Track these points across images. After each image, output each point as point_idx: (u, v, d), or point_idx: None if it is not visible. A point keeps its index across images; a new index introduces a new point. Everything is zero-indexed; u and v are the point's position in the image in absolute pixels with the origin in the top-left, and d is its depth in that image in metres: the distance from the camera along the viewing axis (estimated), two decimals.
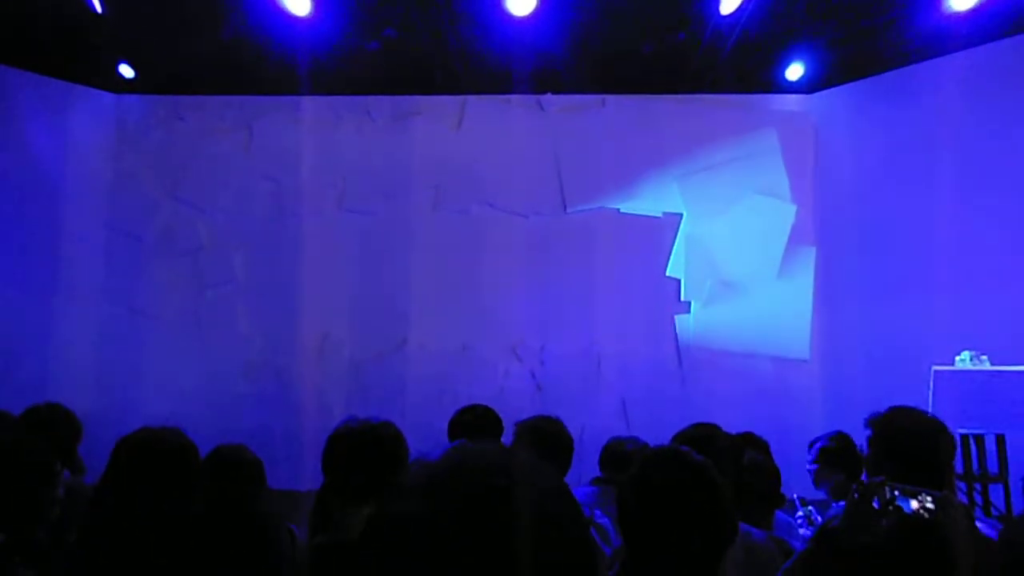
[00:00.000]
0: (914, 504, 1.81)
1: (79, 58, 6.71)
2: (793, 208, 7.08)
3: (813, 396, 6.86)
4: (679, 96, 7.19)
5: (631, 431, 6.73)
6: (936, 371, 5.04)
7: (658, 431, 6.80)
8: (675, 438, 2.28)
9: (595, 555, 0.76)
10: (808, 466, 3.44)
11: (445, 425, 6.66)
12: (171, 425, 1.87)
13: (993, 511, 5.07)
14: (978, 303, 5.72)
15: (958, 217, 5.91)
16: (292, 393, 7.05)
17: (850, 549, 1.80)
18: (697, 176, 7.14)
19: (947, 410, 4.50)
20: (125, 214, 7.24)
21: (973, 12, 5.60)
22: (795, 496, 3.13)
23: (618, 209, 7.15)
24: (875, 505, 1.82)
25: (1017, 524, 2.04)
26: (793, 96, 7.20)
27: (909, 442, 2.06)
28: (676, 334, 7.03)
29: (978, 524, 2.20)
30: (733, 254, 7.02)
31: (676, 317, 7.05)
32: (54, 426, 2.72)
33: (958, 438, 4.40)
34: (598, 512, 2.24)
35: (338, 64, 6.74)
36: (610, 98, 7.26)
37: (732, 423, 6.74)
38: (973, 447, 5.07)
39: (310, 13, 5.81)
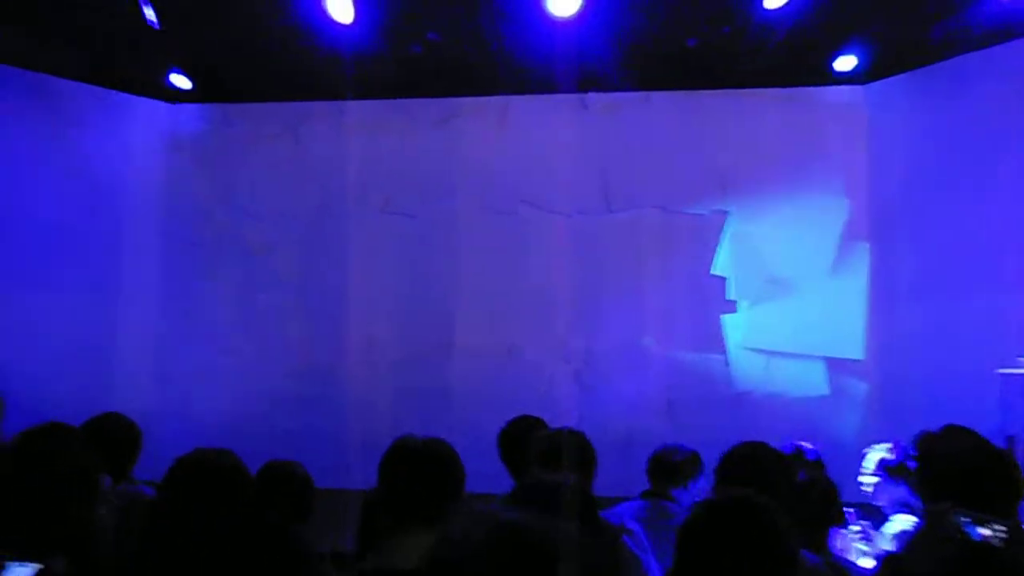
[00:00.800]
0: (984, 532, 1.74)
1: (134, 69, 6.93)
2: (845, 203, 6.87)
3: (868, 398, 6.67)
4: (725, 91, 7.04)
5: (677, 433, 6.66)
6: (1003, 375, 4.83)
7: (706, 433, 6.73)
8: (724, 458, 2.23)
9: None
10: (864, 476, 3.33)
11: (491, 427, 6.71)
12: (225, 438, 1.90)
13: None
14: None
15: (1021, 211, 5.66)
16: (339, 394, 7.17)
17: None
18: (744, 172, 6.99)
19: (1019, 416, 4.30)
20: (180, 220, 7.46)
21: None
22: (851, 512, 3.04)
23: (663, 207, 7.06)
24: (942, 532, 1.76)
25: None
26: (845, 87, 6.97)
27: (954, 473, 1.96)
28: (723, 334, 6.91)
29: None
30: (782, 251, 6.86)
31: (723, 317, 6.93)
32: (114, 437, 2.81)
33: None
34: (629, 521, 2.21)
35: (382, 68, 6.81)
36: (655, 95, 7.15)
37: (782, 426, 6.66)
38: None
39: (353, 20, 5.88)
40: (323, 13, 5.85)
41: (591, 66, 6.70)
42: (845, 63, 6.61)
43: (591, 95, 7.19)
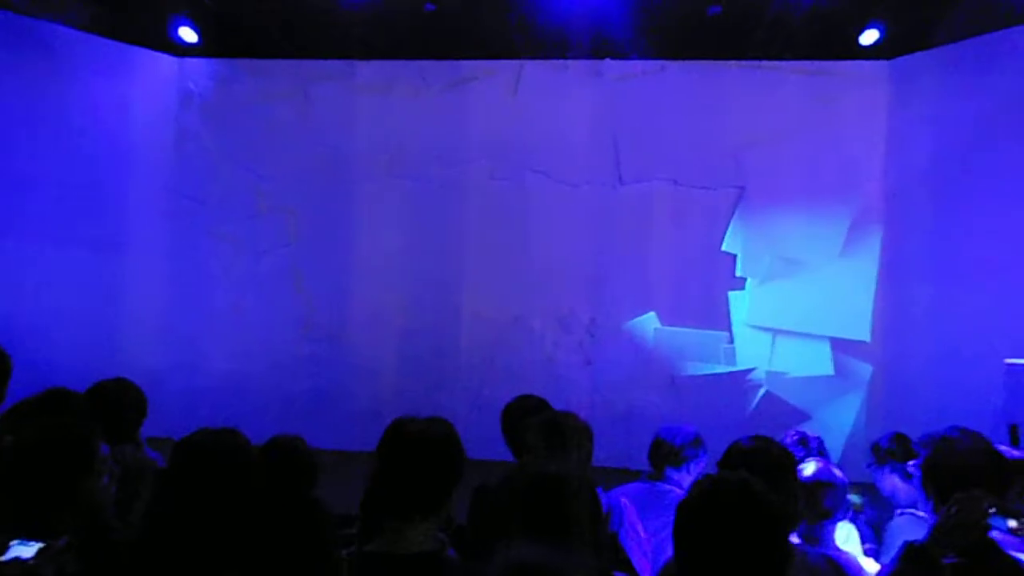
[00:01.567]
0: (1012, 524, 1.75)
1: (142, 21, 6.80)
2: (861, 182, 6.75)
3: (873, 379, 6.66)
4: (744, 62, 6.87)
5: (680, 408, 6.71)
6: (1009, 364, 4.78)
7: (708, 410, 6.77)
8: (726, 454, 2.21)
9: None
10: (867, 466, 3.32)
11: (495, 394, 6.75)
12: (229, 421, 1.88)
13: None
14: None
15: None
16: (344, 357, 7.21)
17: (939, 565, 1.76)
18: (759, 147, 6.86)
19: (1021, 407, 4.27)
20: (187, 177, 7.41)
21: None
22: (851, 499, 3.03)
23: (675, 181, 6.96)
24: (969, 519, 1.77)
25: None
26: (868, 62, 6.79)
27: (956, 483, 1.95)
28: (729, 311, 6.87)
29: None
30: (794, 230, 6.77)
31: (730, 293, 6.88)
32: (119, 401, 2.81)
33: None
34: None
35: (394, 28, 6.67)
36: (671, 64, 6.99)
37: (786, 405, 6.65)
38: None
39: None
40: None
41: (607, 32, 6.54)
42: (869, 36, 6.42)
43: (606, 62, 7.03)
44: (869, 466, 3.50)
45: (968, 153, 6.13)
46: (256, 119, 7.39)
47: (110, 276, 6.99)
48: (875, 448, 3.48)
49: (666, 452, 3.06)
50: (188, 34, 6.92)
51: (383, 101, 7.25)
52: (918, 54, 6.56)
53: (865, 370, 6.69)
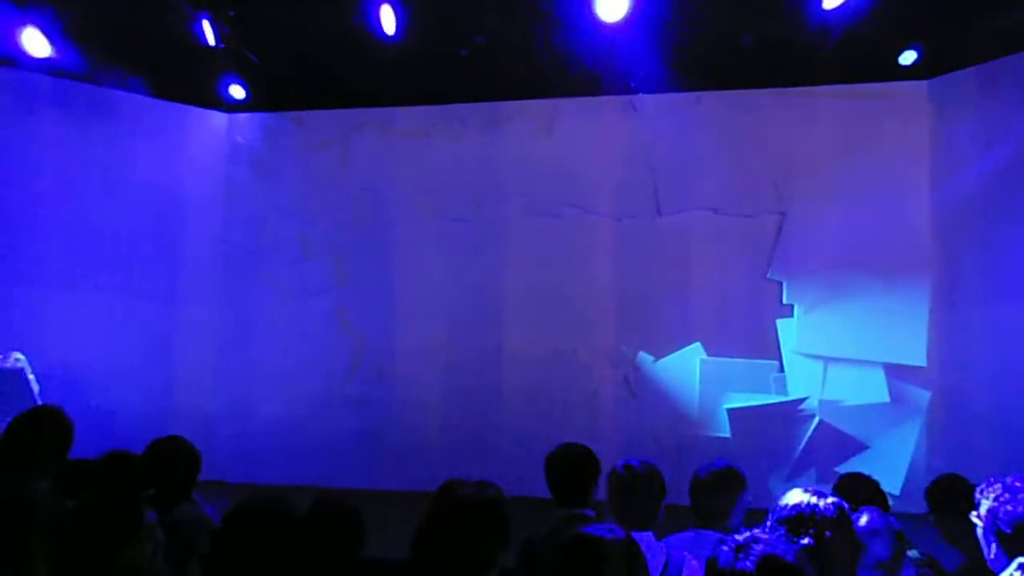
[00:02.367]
0: None
1: (195, 82, 7.16)
2: (907, 204, 6.60)
3: (931, 405, 6.40)
4: (780, 89, 6.85)
5: (732, 442, 6.56)
6: None
7: (761, 441, 6.59)
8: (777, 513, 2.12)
9: None
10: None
11: (538, 430, 6.72)
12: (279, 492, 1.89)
13: None
14: None
15: None
16: (389, 396, 7.28)
17: None
18: (800, 173, 6.79)
19: None
20: (236, 226, 7.69)
21: None
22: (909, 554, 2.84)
23: (715, 210, 6.91)
24: None
25: None
26: (907, 83, 6.69)
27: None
28: (778, 339, 6.73)
29: None
30: (840, 254, 6.63)
31: (778, 322, 6.74)
32: (175, 462, 2.90)
33: None
34: (688, 557, 2.14)
35: (430, 73, 6.86)
36: (705, 95, 7.01)
37: (841, 434, 6.43)
38: None
39: (400, 26, 5.94)
40: (373, 22, 5.93)
41: (640, 68, 6.61)
42: (907, 57, 6.34)
43: (640, 97, 7.09)
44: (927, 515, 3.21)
45: (1016, 169, 5.96)
46: (300, 168, 7.66)
47: (163, 324, 7.26)
48: (930, 495, 3.15)
49: (707, 511, 2.83)
50: (237, 91, 7.24)
51: (421, 145, 7.44)
52: (958, 72, 6.45)
53: (922, 396, 6.44)
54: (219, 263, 7.65)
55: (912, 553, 2.98)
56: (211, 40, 6.10)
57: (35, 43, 6.05)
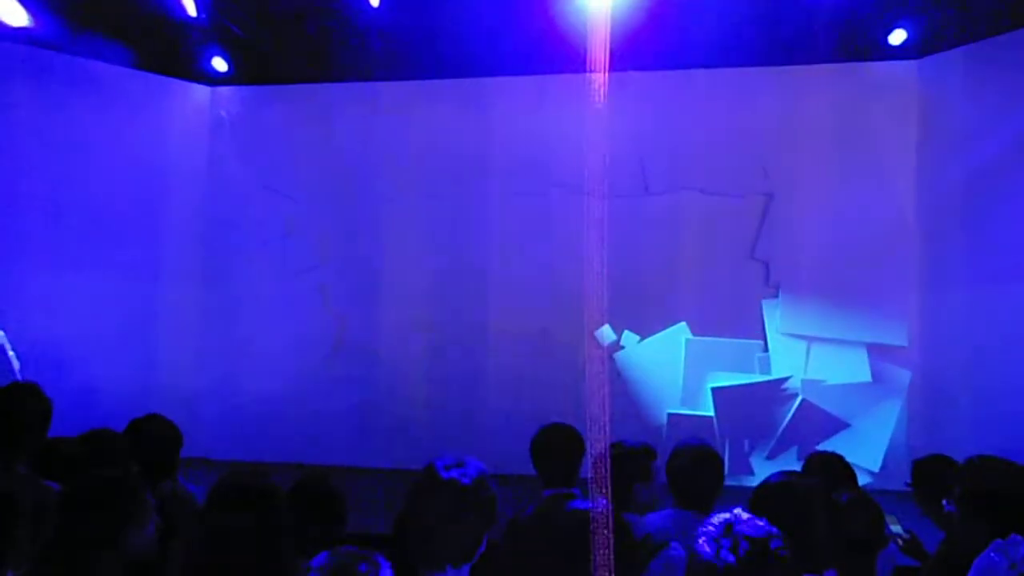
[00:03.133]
0: None
1: (176, 54, 7.02)
2: (894, 185, 6.63)
3: (912, 385, 6.49)
4: (769, 68, 6.81)
5: (718, 421, 6.62)
6: None
7: (743, 420, 6.65)
8: (756, 492, 2.13)
9: None
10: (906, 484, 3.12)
11: (524, 408, 6.74)
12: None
13: None
14: None
15: None
16: (373, 375, 7.26)
17: None
18: (788, 153, 6.78)
19: None
20: (219, 202, 7.59)
21: None
22: (887, 528, 2.87)
23: (703, 190, 6.91)
24: None
25: None
26: (897, 63, 6.68)
27: (1004, 505, 1.87)
28: (763, 319, 6.77)
29: None
30: (826, 235, 6.66)
31: (763, 301, 6.78)
32: (156, 440, 2.87)
33: None
34: (675, 544, 2.14)
35: (414, 48, 6.77)
36: (694, 73, 6.96)
37: (824, 413, 6.50)
38: None
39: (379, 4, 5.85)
40: None
41: (629, 44, 6.54)
42: (898, 37, 6.32)
43: (629, 74, 7.02)
44: (908, 485, 3.24)
45: (1005, 151, 5.98)
46: (284, 143, 7.56)
47: (144, 300, 7.17)
48: (916, 472, 3.12)
49: (690, 493, 2.80)
50: (220, 64, 7.11)
51: (406, 121, 7.35)
52: (948, 52, 6.44)
53: (904, 376, 6.52)
54: (201, 239, 7.56)
55: (895, 528, 3.02)
56: (192, 11, 5.97)
57: (10, 11, 5.89)
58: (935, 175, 6.49)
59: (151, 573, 1.96)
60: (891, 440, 6.47)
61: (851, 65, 6.73)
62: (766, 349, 6.77)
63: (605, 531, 1.73)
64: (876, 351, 6.57)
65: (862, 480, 3.85)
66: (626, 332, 6.95)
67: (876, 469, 6.34)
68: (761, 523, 1.48)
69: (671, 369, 6.85)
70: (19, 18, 5.93)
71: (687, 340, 6.85)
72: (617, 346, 6.96)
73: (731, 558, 1.41)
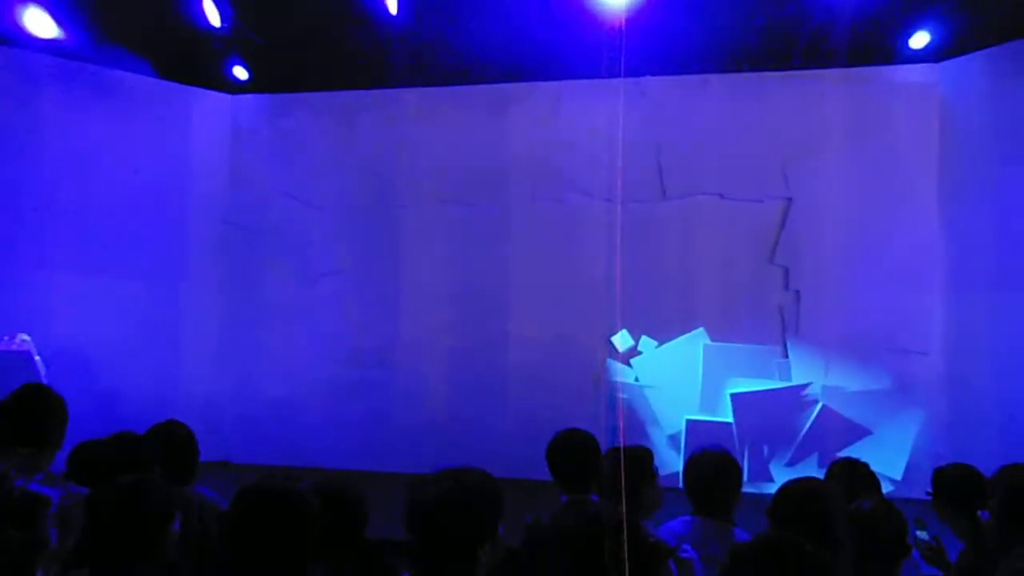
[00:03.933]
0: None
1: (197, 63, 7.12)
2: (916, 189, 6.56)
3: (935, 392, 6.40)
4: (789, 72, 6.78)
5: (737, 428, 6.58)
6: None
7: (763, 427, 6.58)
8: (777, 498, 2.11)
9: None
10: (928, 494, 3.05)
11: (542, 414, 6.73)
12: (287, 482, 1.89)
13: None
14: None
15: None
16: (393, 381, 7.29)
17: None
18: (808, 157, 6.73)
19: None
20: (241, 209, 7.67)
21: None
22: (915, 533, 2.82)
23: (721, 195, 6.88)
24: None
25: None
26: (917, 66, 6.62)
27: None
28: (783, 324, 6.72)
29: None
30: (847, 240, 6.60)
31: (783, 307, 6.73)
32: (175, 448, 2.91)
33: None
34: (686, 546, 2.13)
35: (434, 56, 6.81)
36: (713, 77, 6.95)
37: (844, 420, 6.42)
38: None
39: (403, 8, 5.91)
40: (378, 3, 5.89)
41: (647, 50, 6.55)
42: (919, 40, 6.26)
43: (646, 79, 7.03)
44: (929, 493, 3.17)
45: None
46: (304, 150, 7.63)
47: (168, 306, 7.27)
48: (936, 481, 3.05)
49: (709, 498, 2.77)
50: (240, 72, 7.21)
51: (426, 128, 7.39)
52: (969, 55, 6.37)
53: (927, 383, 6.44)
54: (223, 245, 7.65)
55: (921, 534, 2.97)
56: (216, 21, 6.07)
57: (40, 23, 6.02)
58: (957, 178, 6.41)
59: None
60: (914, 448, 6.39)
61: (871, 69, 6.68)
62: (786, 355, 6.71)
63: (623, 537, 1.73)
64: (898, 357, 6.49)
65: (884, 488, 3.81)
66: (644, 337, 6.93)
67: (898, 477, 6.26)
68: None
69: (689, 374, 6.81)
70: (48, 30, 6.06)
71: (705, 345, 6.81)
72: (635, 351, 6.94)
73: None
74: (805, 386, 6.61)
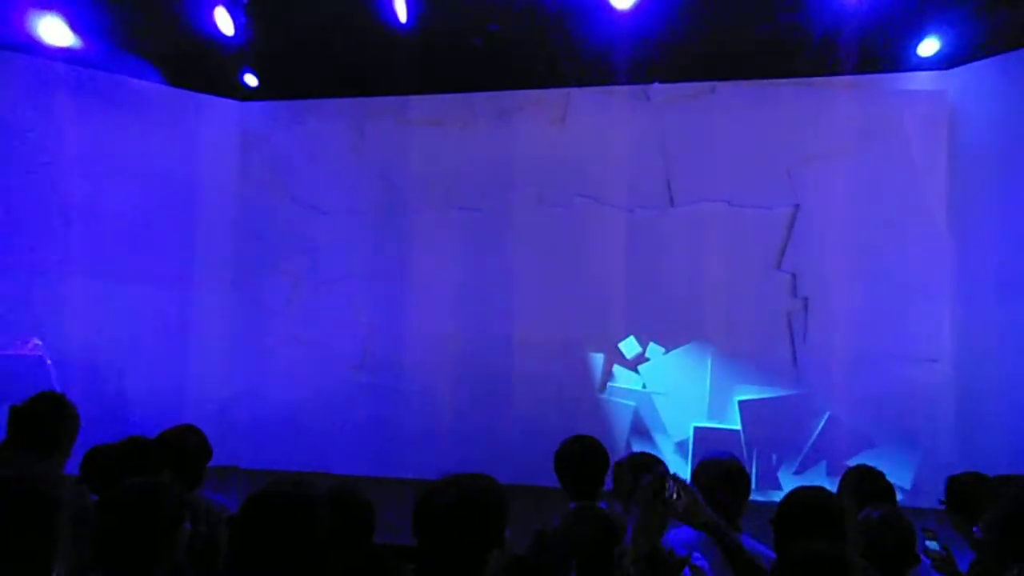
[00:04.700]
0: None
1: (207, 70, 7.18)
2: (925, 196, 6.53)
3: (945, 400, 6.36)
4: (796, 79, 6.78)
5: (745, 435, 6.56)
6: None
7: (771, 435, 6.57)
8: (783, 506, 2.11)
9: None
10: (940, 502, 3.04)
11: (549, 420, 6.74)
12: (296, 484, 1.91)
13: None
14: None
15: None
16: (399, 385, 7.31)
17: None
18: (815, 165, 6.73)
19: None
20: (250, 214, 7.72)
21: None
22: (924, 543, 2.80)
23: (728, 201, 6.88)
24: None
25: None
26: (926, 74, 6.61)
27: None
28: (791, 332, 6.70)
29: None
30: (855, 246, 6.57)
31: (790, 314, 6.72)
32: (188, 452, 2.94)
33: None
34: (697, 555, 2.13)
35: (443, 62, 6.85)
36: (721, 84, 6.96)
37: (853, 429, 6.41)
38: None
39: (412, 15, 5.94)
40: (387, 10, 5.92)
41: (654, 56, 6.57)
42: (928, 47, 6.25)
43: (655, 86, 7.05)
44: (941, 503, 3.15)
45: None
46: (313, 156, 7.68)
47: (178, 311, 7.33)
48: (950, 489, 3.02)
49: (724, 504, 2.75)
50: (251, 80, 7.26)
51: (434, 134, 7.43)
52: (978, 63, 6.36)
53: (936, 391, 6.40)
54: (233, 250, 7.70)
55: (932, 544, 2.95)
56: (229, 31, 6.12)
57: (56, 32, 6.09)
58: (967, 185, 6.39)
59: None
60: (923, 457, 6.35)
61: (880, 76, 6.68)
62: (794, 362, 6.70)
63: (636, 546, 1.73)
64: (907, 365, 6.46)
65: None
66: (651, 344, 6.92)
67: (907, 486, 6.22)
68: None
69: (697, 381, 6.80)
70: (63, 37, 6.13)
71: (713, 352, 6.80)
72: (642, 358, 6.93)
73: None
74: (813, 393, 6.58)
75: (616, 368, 6.99)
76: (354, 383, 7.41)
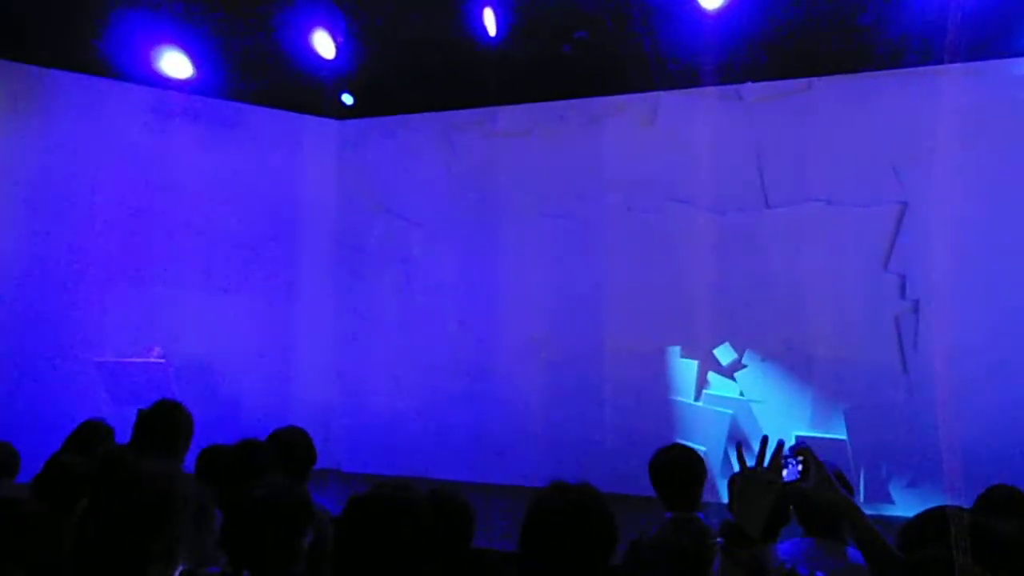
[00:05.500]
0: None
1: (308, 92, 7.56)
2: None
3: None
4: (897, 71, 6.42)
5: (852, 445, 6.25)
6: None
7: (882, 447, 6.22)
8: (909, 527, 1.97)
9: None
10: None
11: (642, 427, 6.65)
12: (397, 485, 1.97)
13: None
14: None
15: None
16: (495, 392, 7.41)
17: None
18: (923, 159, 6.34)
19: None
20: (349, 228, 8.07)
21: None
22: None
23: (828, 201, 6.59)
24: None
25: None
26: None
27: None
28: (900, 336, 6.33)
29: None
30: (969, 244, 6.15)
31: (899, 317, 6.35)
32: (295, 454, 3.08)
33: None
34: (802, 569, 2.04)
35: (531, 70, 6.91)
36: (816, 81, 6.69)
37: (970, 441, 5.97)
38: None
39: (500, 24, 6.04)
40: (476, 24, 6.05)
41: (745, 55, 6.39)
42: None
43: (747, 85, 6.86)
44: None
45: None
46: (407, 170, 7.93)
47: (284, 321, 7.74)
48: None
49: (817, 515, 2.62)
50: (347, 98, 7.60)
51: (523, 144, 7.52)
52: None
53: None
54: (334, 263, 8.06)
55: None
56: (330, 55, 6.43)
57: (178, 65, 6.57)
58: None
59: None
60: None
61: (996, 62, 6.23)
62: (904, 368, 6.32)
63: (732, 558, 1.69)
64: None
65: None
66: (748, 350, 6.71)
67: None
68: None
69: (798, 389, 6.53)
70: (184, 70, 6.61)
71: (815, 358, 6.51)
72: (739, 364, 6.73)
73: None
74: (928, 401, 6.19)
75: (711, 375, 6.81)
76: (450, 389, 7.57)
